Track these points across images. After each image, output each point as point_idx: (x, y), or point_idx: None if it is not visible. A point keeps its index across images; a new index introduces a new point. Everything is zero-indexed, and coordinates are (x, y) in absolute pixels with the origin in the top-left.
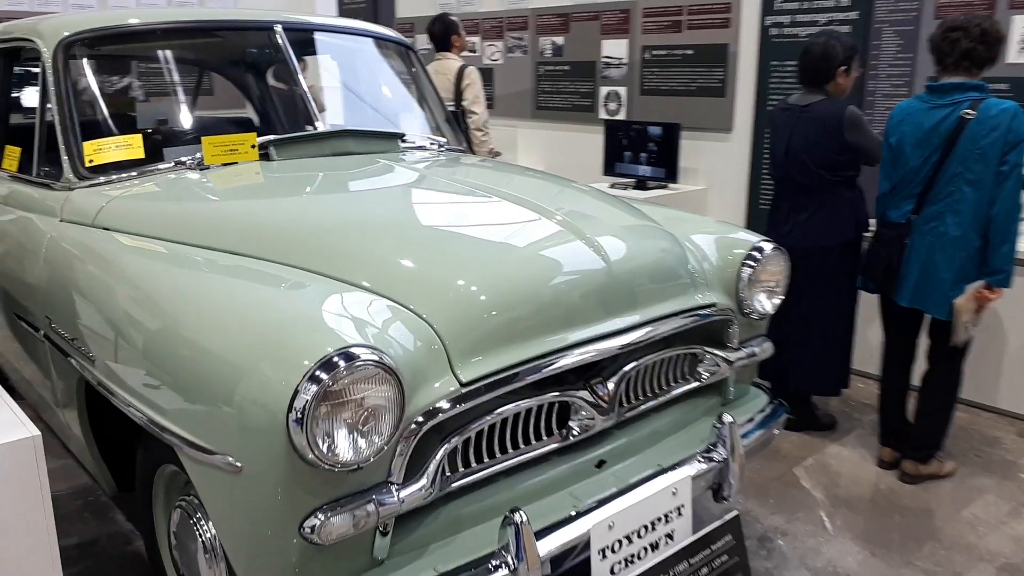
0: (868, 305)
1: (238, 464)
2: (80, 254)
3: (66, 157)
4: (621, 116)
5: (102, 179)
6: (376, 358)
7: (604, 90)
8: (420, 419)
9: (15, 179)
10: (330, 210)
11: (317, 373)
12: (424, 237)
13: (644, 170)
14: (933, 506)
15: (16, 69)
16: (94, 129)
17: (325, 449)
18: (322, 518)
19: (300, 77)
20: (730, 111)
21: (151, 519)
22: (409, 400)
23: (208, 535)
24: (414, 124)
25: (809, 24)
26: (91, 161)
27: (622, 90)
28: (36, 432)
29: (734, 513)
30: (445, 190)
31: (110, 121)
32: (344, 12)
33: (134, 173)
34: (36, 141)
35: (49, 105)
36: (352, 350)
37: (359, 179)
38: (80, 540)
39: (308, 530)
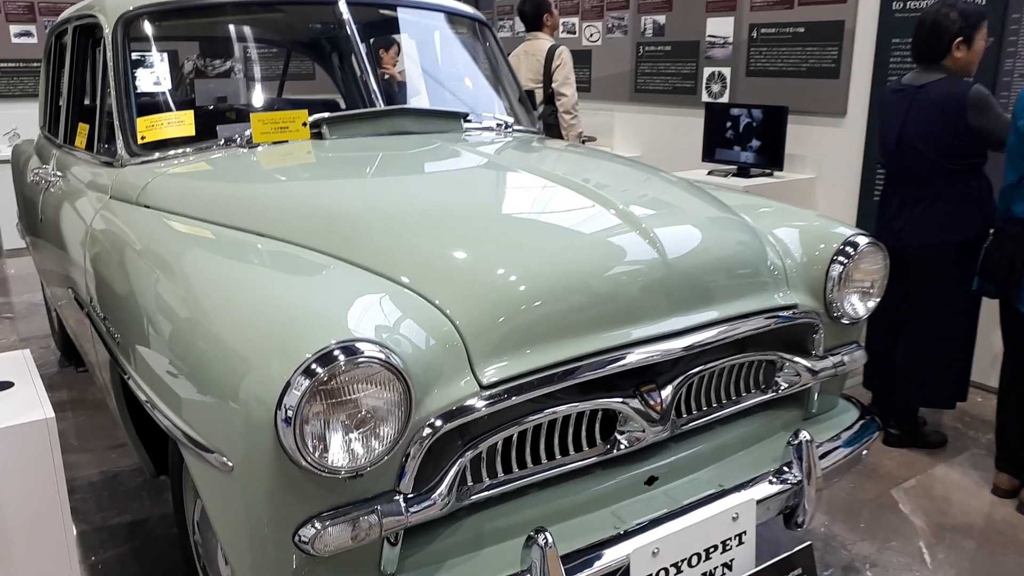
0: (993, 309)
1: (229, 463)
2: (118, 232)
3: (120, 133)
4: (724, 99)
5: (156, 155)
6: (381, 355)
7: (707, 71)
8: (435, 423)
9: (80, 155)
10: (371, 196)
11: (312, 366)
12: (463, 225)
13: (747, 157)
14: None
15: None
16: (151, 106)
17: (316, 453)
18: (318, 527)
19: (362, 53)
20: (844, 93)
21: (182, 506)
22: (419, 403)
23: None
24: (483, 103)
25: None
26: (143, 138)
27: (726, 71)
28: (51, 414)
29: (807, 544)
30: (498, 175)
31: (167, 98)
32: None
33: (188, 150)
34: (97, 118)
35: (108, 79)
36: (356, 344)
37: (409, 162)
38: (133, 519)
39: (303, 539)
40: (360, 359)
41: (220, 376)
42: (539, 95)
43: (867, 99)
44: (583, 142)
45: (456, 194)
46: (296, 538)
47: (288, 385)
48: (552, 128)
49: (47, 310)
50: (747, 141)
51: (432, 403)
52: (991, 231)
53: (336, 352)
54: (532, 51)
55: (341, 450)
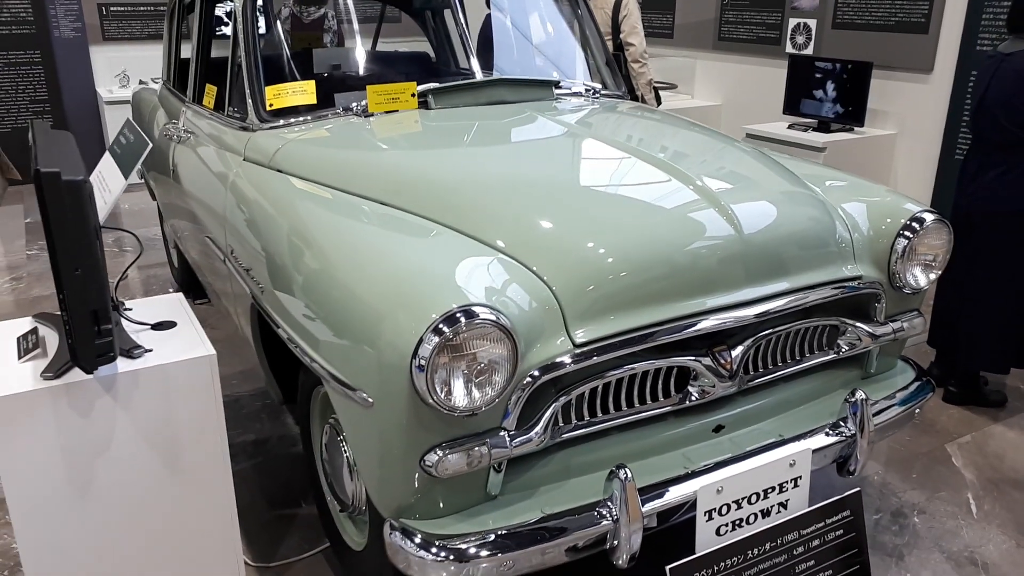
0: None
1: (370, 400)
2: (257, 193)
3: (250, 100)
4: (809, 51)
5: (280, 122)
6: (493, 317)
7: (793, 22)
8: (535, 374)
9: (211, 116)
10: (472, 167)
11: (440, 326)
12: (554, 196)
13: (828, 111)
14: None
15: (217, 12)
16: (277, 73)
17: (443, 395)
18: (440, 454)
19: (463, 21)
20: (932, 50)
21: (308, 430)
22: (523, 357)
23: (350, 453)
24: (572, 68)
25: None
26: (271, 105)
27: (812, 22)
28: (213, 351)
29: (856, 489)
30: (585, 147)
31: (292, 65)
32: None
33: (308, 117)
34: (228, 83)
35: (239, 50)
36: (473, 308)
37: (505, 132)
38: (256, 438)
39: (427, 464)
40: (477, 321)
41: (356, 324)
42: (608, 45)
43: (955, 56)
44: (654, 89)
45: (547, 165)
46: (422, 462)
47: (421, 340)
48: (623, 78)
49: (164, 244)
50: (829, 95)
51: (534, 357)
52: None
53: (458, 315)
54: (599, 4)
55: (462, 393)
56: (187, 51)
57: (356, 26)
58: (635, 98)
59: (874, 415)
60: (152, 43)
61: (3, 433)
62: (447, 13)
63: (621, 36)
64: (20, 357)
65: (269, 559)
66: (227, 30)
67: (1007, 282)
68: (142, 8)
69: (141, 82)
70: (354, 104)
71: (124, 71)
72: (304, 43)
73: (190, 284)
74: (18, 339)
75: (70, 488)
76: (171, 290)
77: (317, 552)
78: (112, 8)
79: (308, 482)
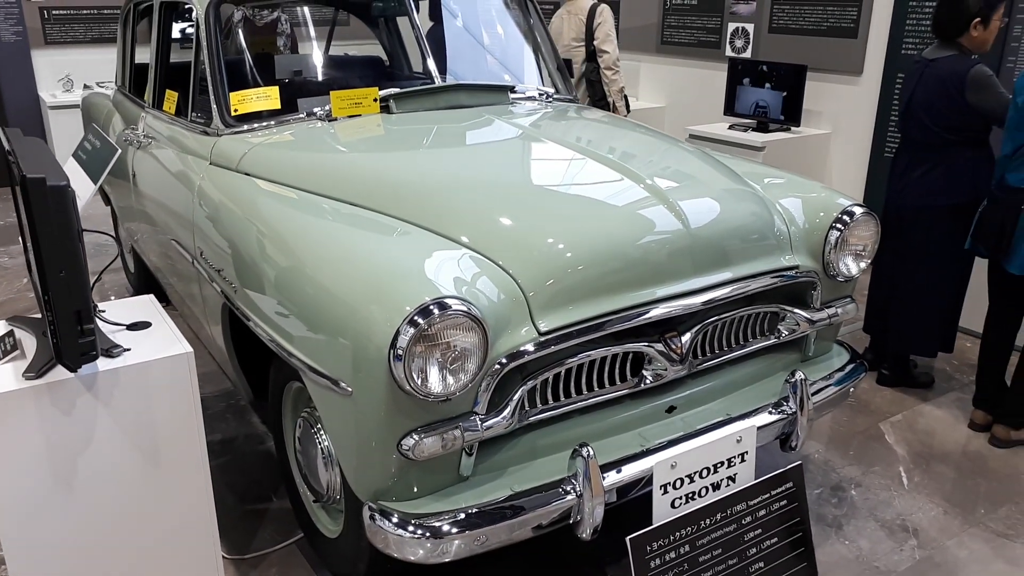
0: (984, 264)
1: (349, 389)
2: (226, 196)
3: (215, 106)
4: (747, 54)
5: (244, 127)
6: (465, 308)
7: (732, 26)
8: (503, 361)
9: (173, 121)
10: (435, 167)
11: (415, 318)
12: (514, 195)
13: (766, 111)
14: (1019, 472)
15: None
16: (239, 80)
17: (419, 382)
18: (416, 438)
19: (419, 27)
20: (861, 53)
21: (280, 425)
22: (492, 345)
23: (325, 444)
24: (526, 74)
25: None
26: (236, 110)
27: (750, 27)
28: (190, 349)
29: (797, 463)
30: (541, 148)
31: (254, 71)
32: None
33: (272, 122)
34: (191, 89)
35: (202, 58)
36: (445, 300)
37: (464, 135)
38: (223, 437)
39: (405, 447)
40: (449, 312)
41: (330, 318)
42: (582, 54)
43: (882, 59)
44: (624, 97)
45: (506, 166)
46: (400, 446)
47: (398, 332)
48: (595, 84)
49: (119, 249)
50: (767, 96)
51: (502, 345)
52: (986, 198)
53: (432, 307)
54: (574, 11)
55: (437, 380)
56: (141, 55)
57: (311, 30)
58: (606, 105)
59: (813, 394)
60: (96, 47)
61: None
62: (399, 19)
63: (595, 43)
64: None
65: (244, 551)
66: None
67: (934, 272)
68: (85, 11)
69: (86, 86)
70: (317, 109)
71: (68, 75)
72: (259, 47)
73: (147, 289)
74: None
75: (53, 486)
76: (128, 294)
77: (291, 543)
78: (55, 12)
79: (278, 477)
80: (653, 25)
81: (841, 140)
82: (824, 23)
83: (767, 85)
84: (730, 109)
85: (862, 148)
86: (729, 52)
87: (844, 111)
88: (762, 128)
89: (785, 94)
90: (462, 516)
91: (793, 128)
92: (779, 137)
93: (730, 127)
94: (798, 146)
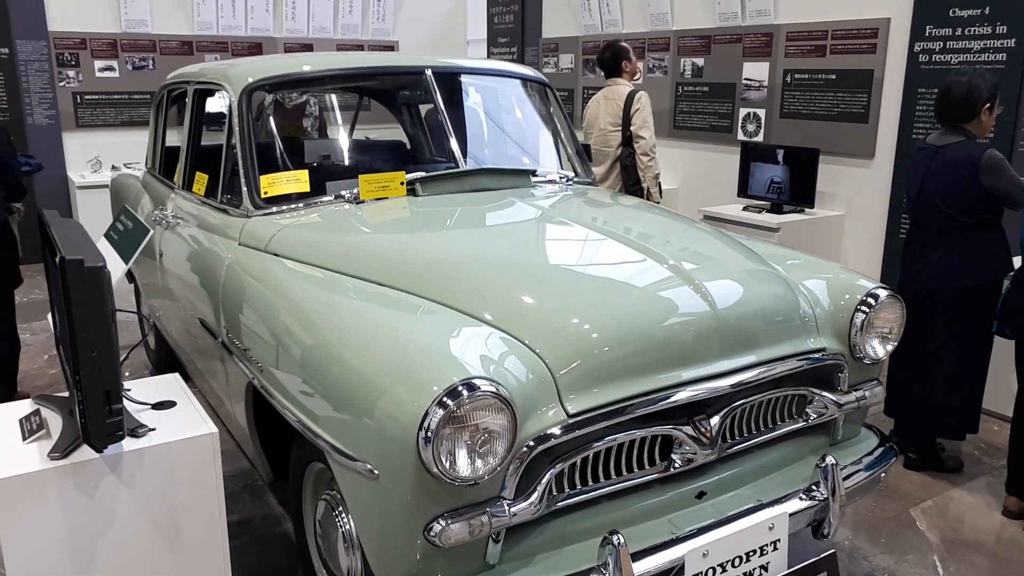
0: (1002, 343)
1: (376, 471)
2: (254, 276)
3: (245, 188)
4: (759, 138)
5: (274, 209)
6: (494, 389)
7: (743, 112)
8: (531, 444)
9: (202, 202)
10: (460, 247)
11: (444, 399)
12: (541, 275)
13: (780, 194)
14: None
15: (207, 105)
16: (269, 162)
17: (447, 465)
18: (443, 524)
19: (445, 115)
20: (872, 137)
21: (300, 507)
22: (521, 427)
23: (347, 527)
24: (546, 158)
25: (961, 51)
26: (266, 193)
27: (761, 112)
28: (215, 429)
29: (831, 551)
30: (564, 229)
31: (283, 155)
32: (493, 32)
33: (300, 204)
34: (221, 172)
35: (233, 141)
36: (474, 381)
37: (489, 217)
38: (239, 518)
39: (431, 533)
40: (478, 393)
41: (356, 398)
42: (617, 138)
43: (894, 143)
44: (659, 184)
45: (531, 246)
46: (426, 531)
47: (427, 413)
48: (629, 169)
49: (141, 327)
50: (781, 179)
51: (530, 427)
52: (1006, 279)
53: (460, 388)
54: (612, 96)
55: (466, 463)
56: (170, 139)
57: (337, 115)
58: (640, 191)
59: (844, 479)
60: (124, 129)
61: (9, 513)
62: (422, 105)
63: (632, 129)
64: (25, 438)
65: None
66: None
67: (955, 354)
68: (116, 96)
69: (114, 167)
70: (345, 191)
71: (96, 156)
72: (288, 131)
73: (167, 365)
74: (21, 421)
75: (72, 567)
76: (147, 371)
77: None
78: (87, 96)
79: (296, 560)
80: (666, 111)
81: (855, 221)
82: (835, 108)
83: (780, 168)
84: (744, 191)
85: (876, 229)
86: (741, 136)
87: (857, 193)
88: (776, 210)
89: (798, 177)
90: None
91: (807, 210)
92: (794, 219)
93: (744, 208)
94: (813, 227)
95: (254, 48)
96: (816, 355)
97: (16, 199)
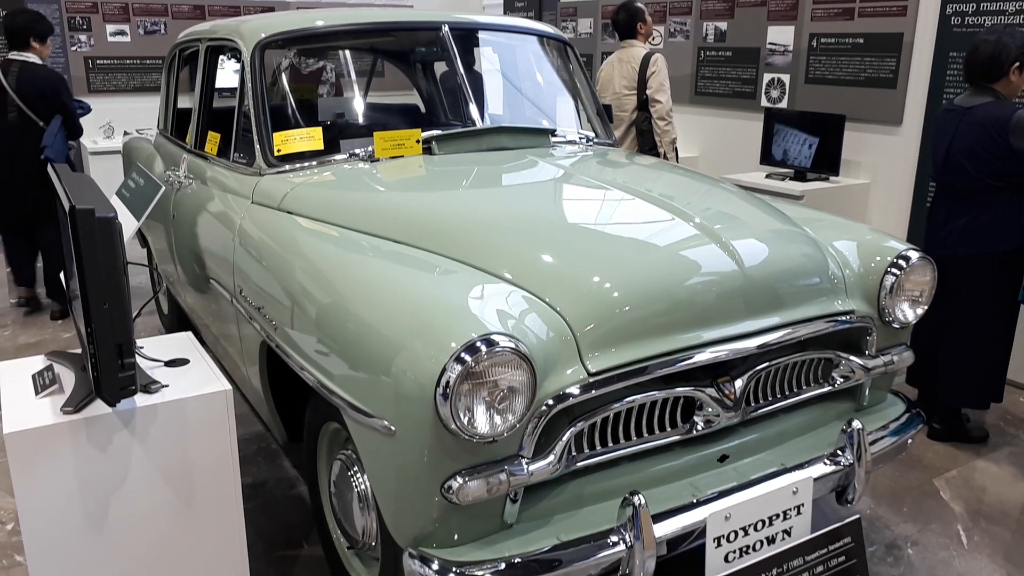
0: None
1: (392, 428)
2: (268, 234)
3: (258, 146)
4: (783, 105)
5: (287, 167)
6: (513, 345)
7: (767, 77)
8: (550, 402)
9: (214, 161)
10: (479, 205)
11: (462, 355)
12: (562, 233)
13: (804, 161)
14: None
15: (220, 62)
16: (282, 121)
17: (466, 421)
18: (460, 481)
19: (462, 73)
20: (901, 103)
21: (315, 468)
22: (540, 384)
23: (362, 487)
24: (566, 118)
25: (996, 13)
26: (279, 151)
27: (785, 78)
28: (228, 386)
29: (856, 516)
30: (586, 187)
31: (296, 114)
32: None
33: (314, 163)
34: (234, 130)
35: (246, 99)
36: (493, 337)
37: (508, 175)
38: (253, 480)
39: (448, 490)
40: (497, 349)
41: (373, 355)
42: (632, 102)
43: (923, 109)
44: (676, 149)
45: (551, 204)
46: (443, 488)
47: (444, 370)
48: (645, 134)
49: (153, 289)
50: (804, 146)
51: (549, 386)
52: None
53: (479, 344)
54: (626, 58)
55: (484, 420)
56: (182, 101)
57: (353, 78)
58: (657, 154)
59: (869, 444)
60: (137, 95)
61: (23, 467)
62: (438, 65)
63: (648, 92)
64: (37, 393)
65: None
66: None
67: (982, 322)
68: (128, 61)
69: (126, 133)
70: (359, 150)
71: (109, 122)
72: (301, 91)
73: (180, 330)
74: (34, 376)
75: (86, 522)
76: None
77: None
78: (99, 61)
79: (310, 522)
80: (687, 76)
81: (881, 190)
82: (862, 73)
83: (805, 135)
84: (767, 158)
85: (903, 199)
86: (764, 103)
87: (884, 161)
88: (800, 178)
89: (823, 144)
90: (507, 565)
91: (832, 178)
92: (817, 187)
93: (767, 176)
94: (837, 196)
95: (267, 12)
96: (844, 317)
97: (73, 138)
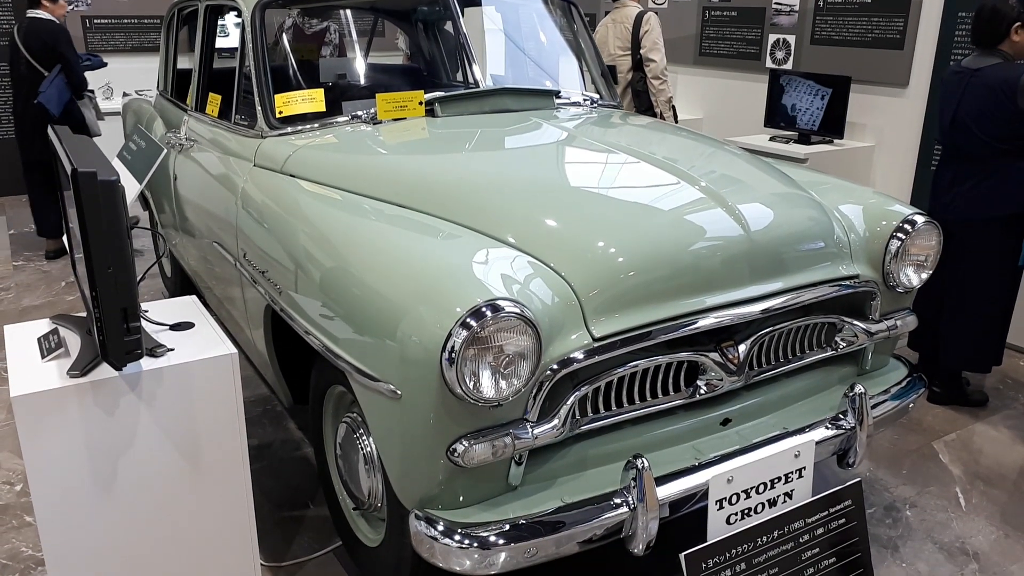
0: None
1: (398, 392)
2: (270, 197)
3: (260, 108)
4: (788, 66)
5: (289, 129)
6: (518, 310)
7: (772, 38)
8: (555, 367)
9: (215, 123)
10: (483, 169)
11: (468, 320)
12: (567, 197)
13: (808, 123)
14: None
15: (220, 23)
16: (284, 82)
17: (471, 386)
18: (466, 444)
19: (465, 33)
20: (907, 65)
21: (320, 430)
22: (545, 349)
23: (368, 449)
24: (570, 80)
25: None
26: (280, 112)
27: (791, 38)
28: (234, 350)
29: (856, 480)
30: (591, 150)
31: (298, 75)
32: None
33: (316, 125)
34: (235, 92)
35: (247, 60)
36: (498, 302)
37: (512, 138)
38: (259, 442)
39: (454, 453)
40: (502, 314)
41: (378, 319)
42: (628, 63)
43: (930, 71)
44: (672, 108)
45: (555, 168)
46: (449, 452)
47: (450, 334)
48: (641, 95)
49: (155, 246)
50: (809, 108)
51: (554, 350)
52: None
53: (484, 309)
54: (620, 19)
55: (490, 384)
56: (182, 62)
57: (354, 39)
58: (653, 114)
59: (871, 408)
60: (135, 55)
61: (30, 430)
62: (440, 25)
63: (642, 51)
64: (43, 356)
65: (281, 559)
66: (224, 41)
67: (985, 286)
68: (126, 21)
69: (126, 94)
70: (362, 112)
71: (108, 83)
72: (306, 54)
73: (183, 294)
74: (39, 339)
75: (92, 485)
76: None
77: (328, 551)
78: (96, 21)
79: (316, 484)
80: (691, 37)
81: (885, 153)
82: (869, 34)
83: (810, 97)
84: (771, 121)
85: (907, 162)
86: (769, 64)
87: (889, 123)
88: (804, 140)
89: (828, 106)
90: (512, 527)
91: (836, 141)
92: (822, 149)
93: (771, 139)
94: (841, 158)
95: None
96: (848, 282)
97: (77, 91)
